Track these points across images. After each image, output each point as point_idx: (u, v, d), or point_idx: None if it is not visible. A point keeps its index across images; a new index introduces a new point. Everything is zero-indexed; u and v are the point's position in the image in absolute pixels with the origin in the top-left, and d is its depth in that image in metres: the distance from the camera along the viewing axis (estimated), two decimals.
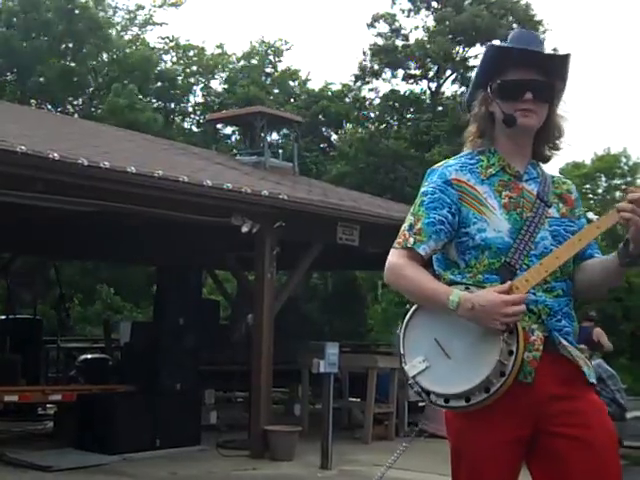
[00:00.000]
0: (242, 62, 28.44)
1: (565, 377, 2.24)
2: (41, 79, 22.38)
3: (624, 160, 36.22)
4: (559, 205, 2.34)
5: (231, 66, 28.23)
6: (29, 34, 22.41)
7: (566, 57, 2.34)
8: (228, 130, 25.84)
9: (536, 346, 2.20)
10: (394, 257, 2.31)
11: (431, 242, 2.27)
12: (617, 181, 35.69)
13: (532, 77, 2.28)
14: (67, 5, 22.34)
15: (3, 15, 22.45)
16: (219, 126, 23.46)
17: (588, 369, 2.29)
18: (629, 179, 35.81)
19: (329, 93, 26.89)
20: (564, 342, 2.24)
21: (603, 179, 36.20)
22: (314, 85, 28.32)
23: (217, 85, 28.11)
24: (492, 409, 2.17)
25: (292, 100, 27.20)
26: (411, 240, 2.28)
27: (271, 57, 28.73)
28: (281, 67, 28.78)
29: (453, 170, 2.32)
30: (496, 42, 2.40)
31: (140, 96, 22.15)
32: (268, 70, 28.55)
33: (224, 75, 28.03)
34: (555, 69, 2.33)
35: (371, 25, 25.79)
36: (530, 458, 2.29)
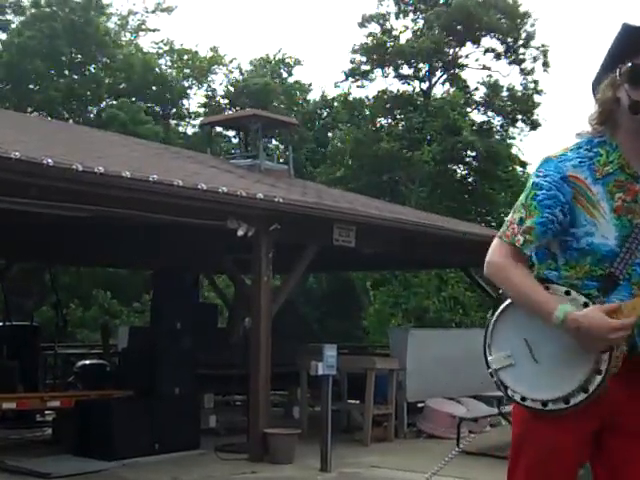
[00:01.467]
0: (251, 68, 28.63)
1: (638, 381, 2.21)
2: (46, 93, 22.35)
3: None
4: None
5: (231, 69, 28.34)
6: (40, 51, 22.34)
7: None
8: (230, 133, 25.91)
9: (617, 362, 2.14)
10: (500, 253, 2.23)
11: (537, 242, 2.20)
12: None
13: None
14: (85, 28, 22.32)
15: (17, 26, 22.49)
16: (219, 129, 23.53)
17: None
18: None
19: (326, 100, 27.07)
20: None
21: None
22: (314, 94, 28.58)
23: (219, 88, 28.20)
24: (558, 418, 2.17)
25: (295, 108, 27.32)
26: (520, 239, 2.19)
27: (282, 70, 28.98)
28: (290, 80, 29.01)
29: (571, 166, 2.17)
30: (633, 22, 2.14)
31: (142, 110, 22.14)
32: (276, 81, 28.68)
33: (223, 76, 28.14)
34: None
35: (362, 25, 25.85)
36: (593, 453, 2.29)
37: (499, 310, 2.28)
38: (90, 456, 7.96)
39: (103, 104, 23.49)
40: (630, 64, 2.12)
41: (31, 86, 22.76)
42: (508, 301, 2.26)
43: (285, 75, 29.14)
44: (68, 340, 17.49)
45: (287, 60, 29.20)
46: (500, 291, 2.30)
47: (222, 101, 27.57)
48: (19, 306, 16.54)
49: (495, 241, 2.27)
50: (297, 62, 29.31)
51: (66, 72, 23.42)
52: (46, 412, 10.60)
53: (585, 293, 2.15)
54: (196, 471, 7.75)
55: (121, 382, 9.51)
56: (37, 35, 22.03)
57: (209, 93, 28.00)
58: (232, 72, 28.35)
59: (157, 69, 25.74)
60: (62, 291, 17.77)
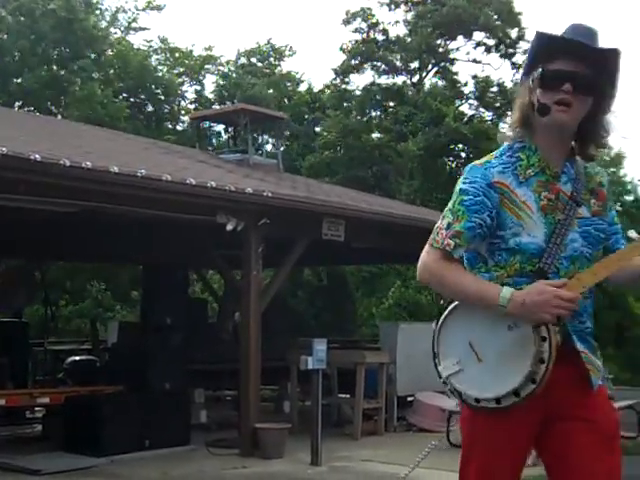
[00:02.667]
0: (242, 59, 28.46)
1: (577, 377, 2.30)
2: (27, 83, 22.21)
3: (605, 152, 36.38)
4: (591, 202, 2.33)
5: (231, 64, 28.19)
6: (20, 39, 22.21)
7: (615, 52, 2.26)
8: (219, 128, 25.82)
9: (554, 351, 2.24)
10: (431, 257, 2.30)
11: (467, 246, 2.29)
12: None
13: (575, 69, 2.21)
14: (66, 15, 22.16)
15: None
16: (210, 124, 23.45)
17: (595, 374, 2.32)
18: (610, 170, 36.02)
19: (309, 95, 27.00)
20: (579, 346, 2.28)
21: None
22: (304, 87, 28.42)
23: (209, 85, 28.10)
24: (504, 415, 2.25)
25: (286, 101, 27.22)
26: (451, 243, 2.26)
27: (272, 59, 28.79)
28: (281, 69, 28.84)
29: (496, 172, 2.28)
30: (545, 30, 2.29)
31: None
32: (267, 71, 28.53)
33: (215, 75, 28.02)
34: (603, 65, 2.24)
35: (347, 22, 25.80)
36: (539, 442, 2.37)
37: (441, 319, 2.35)
38: (80, 452, 7.94)
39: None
40: (540, 69, 2.25)
41: (17, 80, 22.60)
42: (448, 309, 2.33)
43: (276, 63, 28.91)
44: (58, 336, 17.46)
45: (279, 48, 28.92)
46: (441, 301, 2.38)
47: (211, 96, 27.46)
48: (8, 303, 16.47)
49: (425, 248, 2.34)
50: (290, 50, 29.01)
51: (54, 67, 23.25)
52: (36, 409, 10.58)
53: (518, 289, 2.22)
54: (187, 466, 7.75)
55: (111, 378, 9.50)
56: (18, 27, 21.93)
57: (199, 88, 27.89)
58: (223, 67, 28.22)
59: (152, 68, 25.60)
60: (52, 287, 17.72)
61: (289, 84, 28.18)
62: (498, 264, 2.30)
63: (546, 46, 2.27)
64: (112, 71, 23.84)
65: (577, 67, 2.22)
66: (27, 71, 22.11)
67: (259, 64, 28.36)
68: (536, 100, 2.25)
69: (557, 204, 2.27)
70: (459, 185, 2.33)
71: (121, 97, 22.82)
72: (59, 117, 22.07)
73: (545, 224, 2.25)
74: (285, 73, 28.59)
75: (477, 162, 2.36)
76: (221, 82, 27.54)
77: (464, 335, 2.29)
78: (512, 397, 2.21)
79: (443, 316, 2.35)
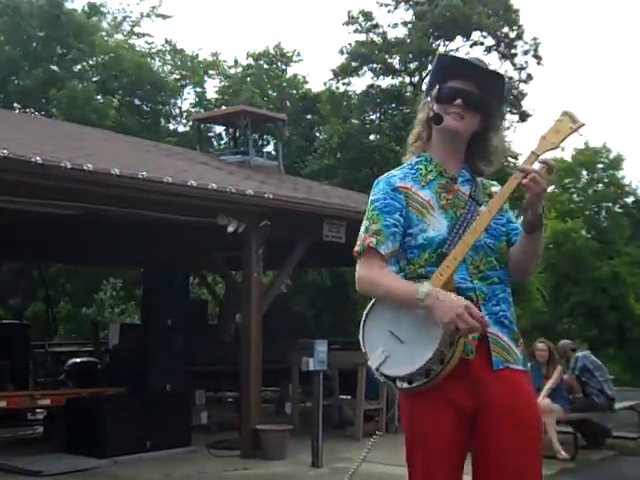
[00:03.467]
0: (249, 60, 28.46)
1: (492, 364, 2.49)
2: (24, 82, 22.22)
3: (604, 154, 36.38)
4: (489, 202, 2.54)
5: (233, 70, 28.19)
6: (10, 38, 22.24)
7: (500, 76, 2.65)
8: (219, 130, 25.82)
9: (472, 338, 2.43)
10: (362, 268, 2.52)
11: (389, 243, 2.49)
12: (599, 174, 35.87)
13: (466, 87, 2.54)
14: (52, 11, 22.18)
15: None
16: (211, 127, 23.43)
17: (502, 356, 2.48)
18: (610, 172, 36.03)
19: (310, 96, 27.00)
20: (495, 329, 2.47)
21: (584, 173, 36.36)
22: (309, 87, 28.39)
23: (211, 88, 28.14)
24: (438, 389, 2.41)
25: (288, 104, 27.21)
26: (373, 241, 2.49)
27: (279, 63, 28.80)
28: (287, 73, 28.85)
29: (397, 179, 2.57)
30: (444, 53, 2.64)
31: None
32: (272, 74, 28.52)
33: (220, 76, 27.99)
34: (491, 87, 2.57)
35: (347, 23, 25.81)
36: (470, 437, 2.51)
37: (362, 320, 2.53)
38: (81, 454, 7.95)
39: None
40: (437, 87, 2.58)
41: (15, 80, 22.60)
42: (367, 309, 2.53)
43: (283, 67, 28.88)
44: (60, 337, 17.48)
45: (286, 53, 28.91)
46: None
47: (213, 98, 27.45)
48: (9, 305, 16.48)
49: (357, 263, 2.55)
50: (298, 56, 28.99)
51: (50, 66, 23.21)
52: (37, 410, 10.58)
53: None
54: (188, 468, 7.75)
55: (112, 379, 9.50)
56: (7, 27, 21.95)
57: (201, 90, 27.87)
58: (226, 70, 28.21)
59: (150, 67, 25.58)
60: (53, 287, 17.74)
61: (293, 90, 28.19)
62: (410, 261, 2.53)
63: (444, 68, 2.61)
64: (102, 67, 23.74)
65: (468, 86, 2.54)
66: (23, 71, 22.11)
67: (266, 66, 28.30)
68: (433, 112, 2.57)
69: (457, 202, 2.54)
70: (369, 198, 2.59)
71: (116, 97, 22.72)
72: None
73: (446, 219, 2.50)
74: (291, 77, 28.62)
75: (381, 177, 2.63)
76: (225, 83, 27.54)
77: (384, 327, 2.46)
78: (422, 378, 2.38)
79: (364, 316, 2.52)
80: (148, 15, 27.72)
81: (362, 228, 2.55)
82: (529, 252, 2.55)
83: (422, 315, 2.37)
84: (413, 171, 2.59)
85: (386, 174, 2.62)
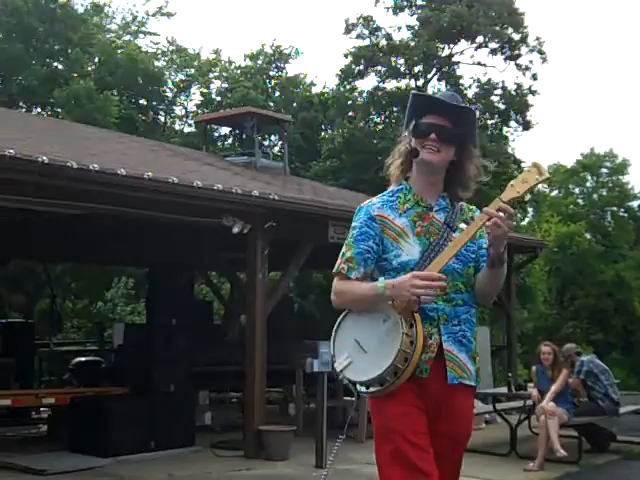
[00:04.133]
0: (247, 61, 28.39)
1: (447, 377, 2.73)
2: (25, 82, 22.25)
3: (610, 159, 36.34)
4: (462, 229, 2.75)
5: (233, 66, 28.12)
6: (10, 37, 22.28)
7: (470, 111, 2.87)
8: (225, 130, 25.81)
9: (432, 348, 2.69)
10: (335, 284, 2.82)
11: (361, 268, 2.77)
12: (603, 179, 35.80)
13: (439, 123, 2.76)
14: (48, 5, 22.23)
15: None
16: (215, 127, 23.42)
17: (456, 372, 2.72)
18: (614, 178, 35.93)
19: (322, 98, 26.94)
20: (453, 347, 2.72)
21: (589, 177, 36.29)
22: (316, 89, 28.33)
23: (214, 87, 28.05)
24: (400, 400, 2.65)
25: (294, 104, 27.16)
26: (345, 267, 2.79)
27: (278, 62, 28.68)
28: (288, 72, 28.77)
29: (376, 208, 2.82)
30: (418, 92, 3.11)
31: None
32: (272, 73, 28.46)
33: (224, 75, 27.94)
34: (463, 121, 2.79)
35: (347, 31, 25.79)
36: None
37: (335, 328, 2.79)
38: (85, 453, 7.97)
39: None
40: (414, 122, 2.82)
41: (18, 79, 22.65)
42: (339, 320, 2.79)
43: (282, 66, 28.75)
44: (65, 337, 17.49)
45: (284, 51, 28.77)
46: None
47: (215, 99, 27.43)
48: (14, 303, 16.53)
49: (334, 280, 2.85)
50: (296, 53, 28.86)
51: (53, 63, 23.26)
52: (41, 409, 10.61)
53: None
54: (191, 468, 7.76)
55: (116, 379, 9.52)
56: (8, 27, 22.01)
57: (205, 90, 27.85)
58: (227, 70, 28.18)
59: (143, 60, 25.52)
60: (60, 288, 17.75)
61: (299, 89, 28.09)
62: None
63: (419, 105, 2.85)
64: (98, 63, 23.75)
65: (441, 121, 2.76)
66: (26, 69, 22.14)
67: (265, 65, 28.23)
68: (410, 146, 2.81)
69: (430, 229, 2.77)
70: (352, 224, 2.87)
71: (113, 92, 22.72)
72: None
73: (419, 245, 2.75)
74: (292, 76, 28.50)
75: (363, 203, 2.89)
76: (225, 85, 27.53)
77: (351, 335, 2.73)
78: (393, 377, 2.62)
79: (336, 325, 2.79)
80: (154, 14, 27.78)
81: (341, 253, 2.84)
82: (490, 283, 2.78)
83: (384, 330, 2.65)
84: (393, 199, 2.83)
85: (367, 201, 2.88)
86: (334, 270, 2.83)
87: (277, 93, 27.51)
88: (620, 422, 9.37)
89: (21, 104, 22.72)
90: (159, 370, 8.75)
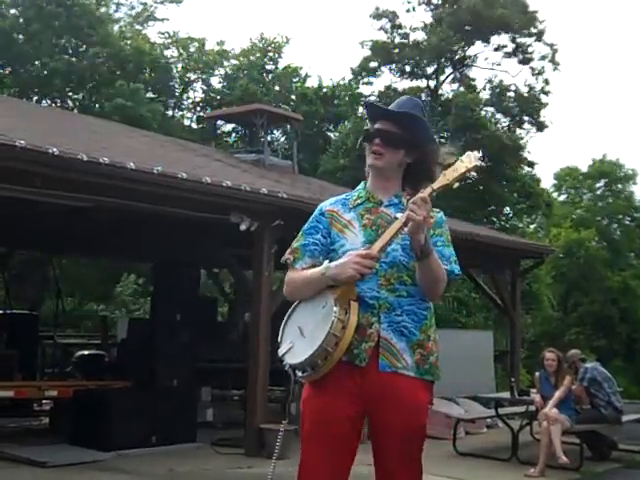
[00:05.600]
0: (242, 59, 28.34)
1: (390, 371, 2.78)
2: (41, 73, 22.35)
3: (618, 169, 36.31)
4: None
5: (230, 62, 28.14)
6: (27, 28, 22.37)
7: (410, 115, 2.92)
8: (228, 127, 25.78)
9: (372, 337, 2.77)
10: (287, 275, 2.95)
11: (306, 259, 2.91)
12: (616, 186, 35.74)
13: (384, 128, 2.92)
14: (66, 1, 22.31)
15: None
16: (220, 123, 23.37)
17: (389, 361, 2.77)
18: (621, 186, 35.84)
19: (321, 93, 26.89)
20: (391, 336, 2.78)
21: (602, 182, 36.21)
22: (312, 82, 28.22)
23: (217, 82, 28.06)
24: (334, 389, 2.75)
25: (293, 97, 27.11)
26: (290, 257, 2.96)
27: (271, 54, 28.60)
28: (282, 63, 28.67)
29: (328, 204, 3.02)
30: (369, 101, 3.23)
31: (140, 89, 22.02)
32: (268, 67, 28.43)
33: (223, 71, 27.97)
34: (411, 125, 2.91)
35: (375, 17, 25.75)
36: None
37: (285, 317, 2.90)
38: (87, 446, 7.97)
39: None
40: (365, 129, 3.03)
41: (31, 67, 22.73)
42: (292, 307, 2.89)
43: (276, 57, 28.64)
44: (70, 329, 17.52)
45: (274, 41, 28.62)
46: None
47: (215, 96, 27.42)
48: (20, 294, 16.55)
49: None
50: (285, 40, 28.75)
51: (65, 56, 23.33)
52: (44, 401, 10.62)
53: None
54: (192, 464, 7.76)
55: (119, 373, 9.53)
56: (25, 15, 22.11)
57: (206, 87, 27.88)
58: (228, 66, 28.18)
59: (161, 60, 25.57)
60: (68, 281, 17.77)
61: (294, 80, 27.99)
62: None
63: (371, 113, 3.03)
64: (108, 55, 23.83)
65: (386, 126, 2.92)
66: (42, 62, 22.23)
67: (259, 61, 28.17)
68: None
69: (378, 221, 2.89)
70: None
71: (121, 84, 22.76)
72: (75, 111, 22.20)
73: (364, 235, 2.87)
74: (287, 66, 28.38)
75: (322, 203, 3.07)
76: (224, 83, 27.52)
77: (296, 322, 2.84)
78: (323, 360, 2.69)
79: (286, 316, 2.90)
80: (162, 2, 27.82)
81: (292, 244, 3.01)
82: (423, 277, 2.81)
83: (322, 315, 2.73)
84: (348, 197, 3.02)
85: (327, 201, 3.07)
86: (281, 260, 2.99)
87: (276, 87, 27.43)
88: (622, 430, 9.35)
89: (35, 95, 22.79)
90: (162, 365, 8.75)
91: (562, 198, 36.62)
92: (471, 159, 2.72)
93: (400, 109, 2.96)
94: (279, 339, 2.87)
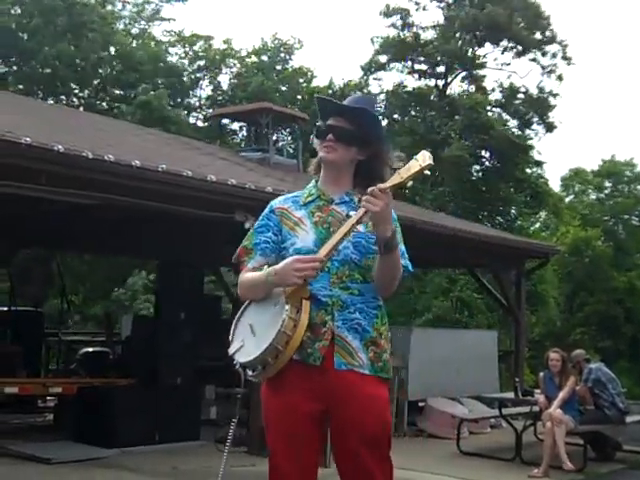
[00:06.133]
0: (253, 57, 28.37)
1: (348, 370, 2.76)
2: (46, 70, 22.39)
3: (629, 168, 36.14)
4: (369, 224, 2.80)
5: (240, 61, 28.15)
6: (31, 25, 22.41)
7: (368, 113, 2.92)
8: (235, 126, 25.83)
9: (325, 336, 2.74)
10: (239, 276, 2.92)
11: (258, 257, 2.89)
12: (623, 187, 35.63)
13: (337, 124, 2.89)
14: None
15: (3, 5, 22.52)
16: (226, 121, 23.42)
17: (344, 358, 2.74)
18: (632, 186, 35.70)
19: (330, 92, 26.87)
20: (346, 334, 2.76)
21: (608, 183, 36.10)
22: (320, 82, 28.25)
23: (225, 80, 28.09)
24: (289, 388, 2.73)
25: (299, 97, 27.12)
26: (243, 256, 2.94)
27: (282, 54, 28.62)
28: (292, 64, 28.70)
29: (278, 202, 3.01)
30: (321, 96, 3.11)
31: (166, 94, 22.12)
32: (278, 67, 28.45)
33: (233, 70, 27.99)
34: (363, 123, 2.89)
35: (385, 15, 25.72)
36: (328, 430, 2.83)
37: (236, 317, 2.89)
38: (90, 443, 7.99)
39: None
40: (316, 125, 2.99)
41: (38, 66, 22.77)
42: (241, 310, 2.88)
43: (287, 58, 28.69)
44: (75, 327, 17.54)
45: (287, 42, 28.69)
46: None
47: (225, 95, 27.42)
48: (24, 292, 16.56)
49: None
50: (299, 43, 28.78)
51: (70, 48, 23.38)
52: (48, 398, 10.64)
53: None
54: (195, 462, 7.76)
55: (123, 370, 9.54)
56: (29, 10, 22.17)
57: (215, 86, 27.88)
58: (238, 64, 28.19)
59: (167, 58, 25.61)
60: (73, 279, 17.77)
61: (302, 80, 28.03)
62: None
63: (323, 108, 2.98)
64: (122, 61, 23.88)
65: (339, 123, 2.89)
66: (48, 59, 22.27)
67: (268, 60, 28.20)
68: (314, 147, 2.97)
69: (330, 219, 2.87)
70: None
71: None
72: (81, 109, 22.24)
73: (316, 233, 2.84)
74: (297, 68, 28.42)
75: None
76: (234, 81, 27.53)
77: (247, 321, 2.82)
78: (273, 359, 2.67)
79: (238, 313, 2.89)
80: (168, 0, 27.83)
81: (242, 244, 2.99)
82: (382, 271, 2.78)
83: (273, 313, 2.71)
84: (298, 194, 3.00)
85: (277, 198, 3.07)
86: (232, 260, 2.98)
87: (284, 87, 27.45)
88: (626, 431, 9.33)
89: (39, 92, 22.84)
90: (166, 363, 8.77)
91: (569, 199, 36.55)
92: (425, 158, 2.70)
93: (355, 105, 2.94)
94: (230, 338, 2.86)
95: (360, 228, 2.81)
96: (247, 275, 2.88)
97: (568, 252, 27.05)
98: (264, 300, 2.80)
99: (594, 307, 29.16)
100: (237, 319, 2.88)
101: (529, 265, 13.75)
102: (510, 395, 9.74)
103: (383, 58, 25.75)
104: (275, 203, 3.01)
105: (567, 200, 36.26)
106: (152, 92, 21.44)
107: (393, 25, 25.71)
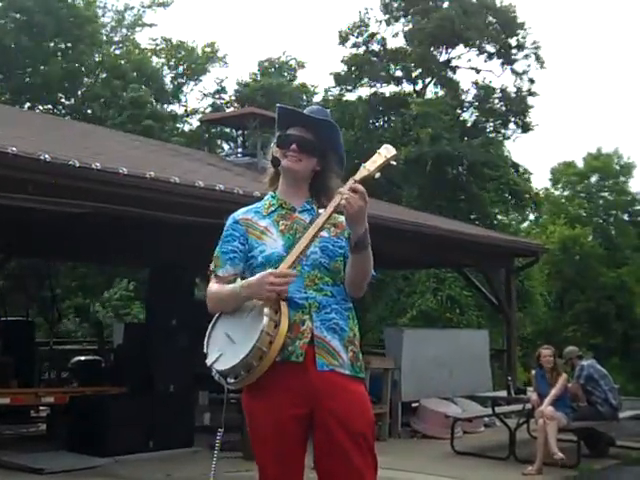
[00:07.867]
0: (258, 79, 28.50)
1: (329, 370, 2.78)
2: (31, 79, 22.32)
3: (616, 160, 36.18)
4: (331, 229, 2.91)
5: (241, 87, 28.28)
6: (17, 34, 22.34)
7: (332, 125, 2.96)
8: (227, 131, 25.86)
9: (305, 334, 2.76)
10: (208, 288, 2.92)
11: (227, 267, 2.91)
12: (609, 182, 35.72)
13: (300, 134, 2.93)
14: (55, 4, 22.30)
15: None
16: (218, 127, 23.45)
17: (326, 360, 2.77)
18: (620, 180, 35.79)
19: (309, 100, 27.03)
20: (325, 334, 2.79)
21: (593, 179, 36.18)
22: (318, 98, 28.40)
23: (210, 85, 28.14)
24: (272, 390, 2.75)
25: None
26: (212, 266, 2.96)
27: (285, 74, 28.90)
28: (296, 83, 28.91)
29: (241, 213, 3.02)
30: (283, 105, 3.10)
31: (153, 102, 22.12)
32: (284, 82, 28.60)
33: (223, 74, 28.06)
34: (324, 134, 2.94)
35: (342, 41, 25.85)
36: (312, 429, 2.82)
37: (209, 328, 2.89)
38: (84, 452, 7.95)
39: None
40: (278, 134, 3.00)
41: (23, 75, 22.69)
42: (215, 317, 2.88)
43: (289, 78, 29.04)
44: (65, 335, 17.49)
45: (291, 62, 29.13)
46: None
47: (221, 100, 27.45)
48: (15, 301, 16.53)
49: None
50: (301, 65, 29.29)
51: (61, 62, 23.31)
52: (40, 408, 10.60)
53: None
54: (190, 469, 7.74)
55: (116, 379, 9.51)
56: (17, 23, 22.09)
57: (205, 90, 27.92)
58: (230, 68, 28.26)
59: (150, 64, 25.54)
60: (63, 288, 17.72)
61: (304, 97, 28.23)
62: None
63: (284, 117, 3.01)
64: (108, 68, 23.82)
65: (302, 133, 2.93)
66: (33, 67, 22.21)
67: (274, 81, 28.40)
68: (272, 156, 3.00)
69: (295, 226, 2.91)
70: None
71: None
72: (67, 118, 22.17)
73: (283, 240, 2.88)
74: (301, 84, 28.70)
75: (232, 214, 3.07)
76: (241, 89, 27.56)
77: (223, 330, 2.82)
78: (258, 360, 2.66)
79: (211, 324, 2.89)
80: (150, 6, 27.81)
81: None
82: (356, 270, 2.83)
83: (251, 317, 2.73)
84: (258, 206, 3.02)
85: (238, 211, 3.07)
86: (207, 273, 2.99)
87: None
88: (619, 427, 9.36)
89: (27, 102, 22.77)
90: (159, 370, 8.74)
91: (558, 193, 36.60)
92: (389, 150, 2.76)
93: (317, 117, 2.97)
94: (205, 350, 2.86)
95: (324, 234, 2.86)
96: (216, 287, 2.89)
97: (557, 250, 27.14)
98: (236, 312, 2.81)
99: (585, 304, 29.26)
100: (209, 332, 2.88)
101: (518, 262, 13.80)
102: (503, 394, 9.77)
103: (355, 73, 25.81)
104: (237, 215, 3.02)
105: (556, 193, 36.35)
106: (140, 91, 21.36)
107: (355, 45, 25.78)
